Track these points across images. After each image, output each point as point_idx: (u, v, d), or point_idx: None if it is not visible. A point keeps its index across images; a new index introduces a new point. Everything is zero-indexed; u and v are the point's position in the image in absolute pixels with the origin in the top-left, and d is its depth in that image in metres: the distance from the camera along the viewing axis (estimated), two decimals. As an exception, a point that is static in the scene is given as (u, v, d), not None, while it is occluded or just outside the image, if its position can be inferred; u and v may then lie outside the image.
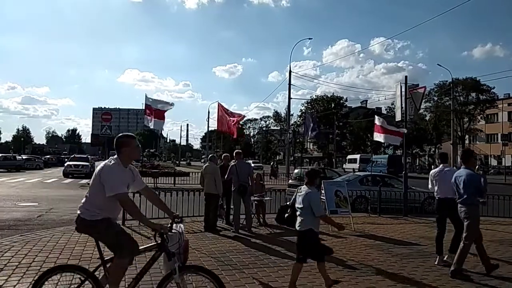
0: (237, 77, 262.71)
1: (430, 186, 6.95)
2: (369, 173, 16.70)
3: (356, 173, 18.99)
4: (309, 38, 57.49)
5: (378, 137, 12.77)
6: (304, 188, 5.07)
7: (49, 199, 14.89)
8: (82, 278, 3.62)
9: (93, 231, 3.62)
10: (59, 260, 5.94)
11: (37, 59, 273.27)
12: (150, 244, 3.69)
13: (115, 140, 3.77)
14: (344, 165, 56.20)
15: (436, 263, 6.40)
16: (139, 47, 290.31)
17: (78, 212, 3.63)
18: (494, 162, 61.58)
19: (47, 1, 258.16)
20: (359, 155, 52.25)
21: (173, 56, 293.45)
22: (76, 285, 3.66)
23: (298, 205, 5.06)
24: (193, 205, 10.11)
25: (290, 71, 37.33)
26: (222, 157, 10.66)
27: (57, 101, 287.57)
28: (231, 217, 9.29)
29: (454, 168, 6.47)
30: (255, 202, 9.81)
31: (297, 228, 5.07)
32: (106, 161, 3.69)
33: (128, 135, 3.89)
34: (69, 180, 26.35)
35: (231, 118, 12.97)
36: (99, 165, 3.71)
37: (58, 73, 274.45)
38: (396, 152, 59.11)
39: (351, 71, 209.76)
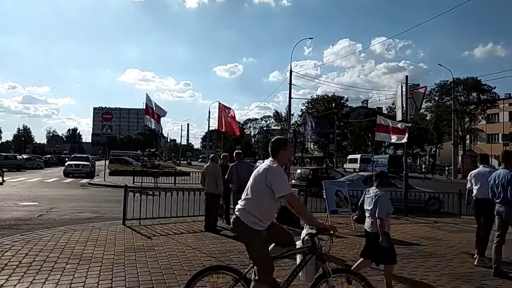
0: (238, 76, 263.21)
1: (468, 185, 6.98)
2: (373, 173, 16.68)
3: (360, 173, 18.97)
4: (310, 38, 57.66)
5: (381, 136, 12.72)
6: (373, 190, 5.09)
7: (50, 198, 14.90)
8: (235, 279, 3.61)
9: (247, 238, 3.62)
10: (59, 259, 5.95)
11: (37, 58, 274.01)
12: (302, 246, 3.71)
13: (272, 142, 3.78)
14: (344, 165, 56.22)
15: (475, 263, 6.45)
16: (140, 46, 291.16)
17: (237, 213, 3.61)
18: (495, 163, 61.55)
19: (48, 0, 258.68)
20: (359, 155, 52.28)
21: (173, 55, 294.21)
22: (229, 286, 3.65)
23: (367, 206, 5.07)
24: (194, 205, 10.11)
25: (290, 71, 37.22)
26: (221, 157, 10.66)
27: (57, 100, 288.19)
28: (231, 216, 9.28)
29: (493, 169, 6.50)
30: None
31: (367, 229, 5.09)
32: (268, 162, 3.65)
33: (285, 138, 3.92)
34: (69, 179, 26.34)
35: (229, 115, 12.97)
36: (260, 167, 3.67)
37: (58, 73, 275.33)
38: (397, 152, 59.09)
39: (352, 70, 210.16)
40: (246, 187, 3.69)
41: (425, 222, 10.79)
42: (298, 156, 70.04)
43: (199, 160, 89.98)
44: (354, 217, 5.51)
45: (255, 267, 3.54)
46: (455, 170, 42.55)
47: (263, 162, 3.87)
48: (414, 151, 68.41)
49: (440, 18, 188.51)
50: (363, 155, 51.23)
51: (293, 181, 20.33)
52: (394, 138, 12.33)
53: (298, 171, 22.26)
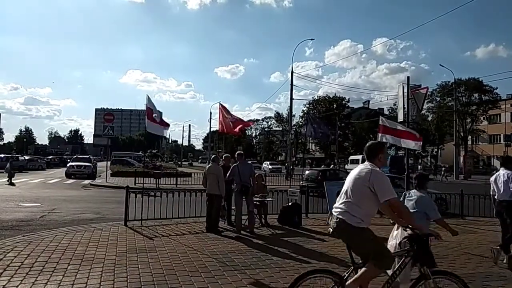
0: (239, 77, 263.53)
1: (492, 189, 7.03)
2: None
3: None
4: (311, 39, 57.07)
5: (382, 138, 12.65)
6: (414, 192, 5.05)
7: (52, 199, 14.92)
8: (336, 282, 3.63)
9: (354, 238, 3.61)
10: (61, 260, 5.96)
11: (39, 60, 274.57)
12: (401, 250, 3.79)
13: (370, 146, 3.83)
14: (346, 165, 56.10)
15: (505, 261, 6.45)
16: (141, 47, 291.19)
17: (341, 216, 3.61)
18: (497, 163, 61.41)
19: (50, 2, 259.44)
20: (361, 156, 51.99)
21: (175, 56, 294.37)
22: None
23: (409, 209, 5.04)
24: (195, 206, 10.12)
25: (292, 72, 37.33)
26: (223, 158, 10.66)
27: (59, 101, 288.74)
28: (233, 217, 9.29)
29: None
30: (257, 202, 9.80)
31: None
32: (368, 166, 3.67)
33: (382, 142, 3.99)
34: (71, 180, 26.40)
35: (234, 120, 12.96)
36: (360, 170, 3.68)
37: (60, 74, 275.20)
38: (398, 152, 59.03)
39: (354, 71, 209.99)
40: (344, 189, 3.73)
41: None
42: (300, 157, 69.99)
43: (199, 161, 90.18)
44: (391, 220, 5.48)
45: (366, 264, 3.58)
46: (456, 171, 42.41)
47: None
48: (416, 152, 68.26)
49: (441, 19, 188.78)
50: (364, 156, 51.09)
51: (301, 182, 20.47)
52: (398, 141, 12.25)
53: (307, 172, 22.34)
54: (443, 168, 42.68)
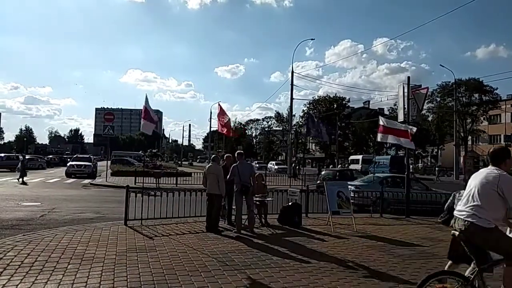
0: (240, 77, 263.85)
1: None
2: (390, 174, 16.87)
3: (377, 175, 19.05)
4: (312, 39, 56.85)
5: (382, 137, 12.67)
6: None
7: (52, 199, 14.93)
8: (461, 283, 3.68)
9: (486, 238, 3.67)
10: (61, 259, 5.95)
11: (39, 59, 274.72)
12: None
13: (496, 152, 3.88)
14: (346, 166, 56.11)
15: None
16: (142, 47, 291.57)
17: (469, 219, 3.68)
18: (497, 164, 61.31)
19: (50, 2, 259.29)
20: (361, 155, 52.07)
21: (175, 56, 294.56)
22: None
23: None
24: (195, 205, 10.12)
25: (292, 72, 37.33)
26: (225, 158, 10.65)
27: (59, 101, 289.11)
28: (233, 217, 9.29)
29: None
30: (257, 202, 9.79)
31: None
32: (494, 171, 3.74)
33: (508, 148, 4.04)
34: (71, 180, 26.41)
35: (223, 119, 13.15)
36: (487, 175, 3.75)
37: (60, 73, 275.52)
38: (399, 152, 59.02)
39: (354, 71, 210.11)
40: (470, 193, 3.79)
41: (427, 223, 10.76)
42: (300, 157, 69.97)
43: (197, 160, 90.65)
44: (439, 220, 5.43)
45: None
46: (457, 171, 42.55)
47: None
48: (416, 152, 68.16)
49: (442, 19, 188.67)
50: (364, 156, 50.92)
51: (318, 181, 20.82)
52: (397, 140, 12.24)
53: (323, 172, 23.95)
54: (436, 169, 43.62)
